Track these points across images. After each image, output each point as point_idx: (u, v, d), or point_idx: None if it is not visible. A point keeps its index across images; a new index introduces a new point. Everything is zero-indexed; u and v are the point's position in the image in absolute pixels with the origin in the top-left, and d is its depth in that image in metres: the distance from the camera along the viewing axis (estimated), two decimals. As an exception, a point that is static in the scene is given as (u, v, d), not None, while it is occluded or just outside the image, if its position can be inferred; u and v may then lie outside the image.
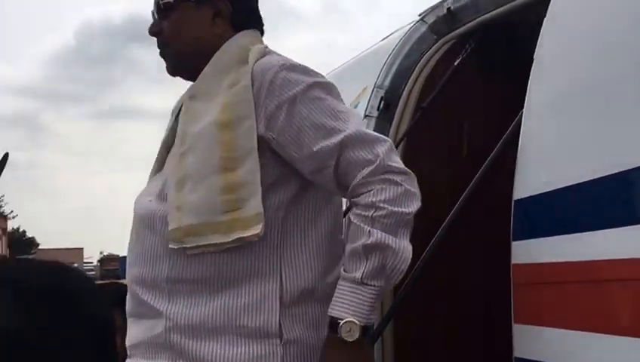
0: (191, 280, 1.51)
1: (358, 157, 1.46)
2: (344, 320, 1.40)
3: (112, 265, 73.34)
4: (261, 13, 1.74)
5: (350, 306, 1.41)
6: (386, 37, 3.17)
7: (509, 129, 1.86)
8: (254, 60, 1.58)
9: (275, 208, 1.52)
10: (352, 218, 1.46)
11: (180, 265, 1.52)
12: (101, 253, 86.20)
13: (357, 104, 2.83)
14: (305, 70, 1.56)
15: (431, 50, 2.76)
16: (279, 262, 1.52)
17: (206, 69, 1.63)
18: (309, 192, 1.57)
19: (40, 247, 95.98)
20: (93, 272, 72.96)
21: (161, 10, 1.67)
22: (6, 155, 8.69)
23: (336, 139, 1.47)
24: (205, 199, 1.49)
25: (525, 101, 1.81)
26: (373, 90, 2.75)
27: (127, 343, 1.61)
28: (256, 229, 1.47)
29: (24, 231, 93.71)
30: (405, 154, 2.54)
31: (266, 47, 1.66)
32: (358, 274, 1.41)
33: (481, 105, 2.72)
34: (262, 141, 1.51)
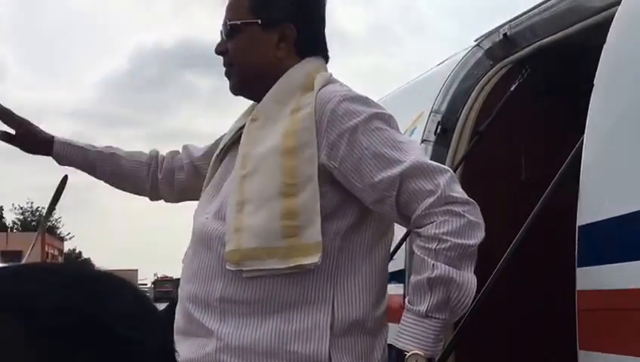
0: (244, 301, 1.52)
1: (420, 187, 1.46)
2: (410, 353, 1.41)
3: (166, 287, 74.03)
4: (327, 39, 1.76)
5: (416, 338, 1.42)
6: (441, 62, 3.18)
7: (571, 154, 1.85)
8: (318, 88, 1.60)
9: (332, 237, 1.53)
10: (415, 250, 1.47)
11: (234, 286, 1.53)
12: (155, 274, 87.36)
13: (414, 129, 2.84)
14: (366, 101, 1.59)
15: (487, 75, 2.77)
16: (332, 291, 1.53)
17: (269, 93, 1.66)
18: (365, 224, 1.58)
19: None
20: (147, 294, 73.96)
21: (228, 30, 1.70)
22: (65, 178, 8.91)
23: (397, 169, 1.48)
24: (265, 223, 1.51)
25: (586, 126, 1.80)
26: (429, 115, 2.76)
27: (179, 360, 1.64)
28: (315, 258, 1.49)
29: (80, 253, 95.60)
30: (463, 178, 2.54)
31: (331, 75, 1.69)
32: (422, 308, 1.42)
33: (539, 129, 2.71)
34: (323, 169, 1.53)
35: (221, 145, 1.80)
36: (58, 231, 77.58)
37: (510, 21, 2.65)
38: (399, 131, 1.59)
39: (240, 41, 1.69)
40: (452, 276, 1.40)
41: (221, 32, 1.74)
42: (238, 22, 1.69)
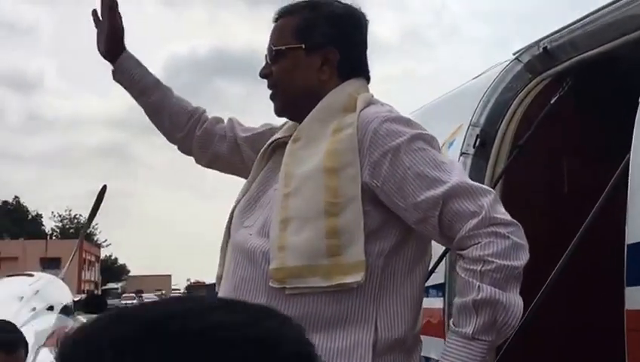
0: None
1: (463, 208, 1.46)
2: None
3: (199, 292, 74.94)
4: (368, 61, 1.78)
5: (461, 361, 1.42)
6: (479, 75, 3.16)
7: (617, 172, 1.82)
8: (360, 108, 1.62)
9: (376, 256, 1.54)
10: (459, 271, 1.46)
11: (277, 303, 1.54)
12: (188, 280, 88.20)
13: (452, 141, 2.83)
14: (408, 122, 1.60)
15: (526, 89, 2.75)
16: (375, 311, 1.53)
17: (311, 113, 1.68)
18: (408, 243, 1.58)
19: (130, 274, 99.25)
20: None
21: (272, 55, 1.73)
22: (104, 188, 8.98)
23: (439, 189, 1.48)
24: (309, 242, 1.52)
25: (632, 144, 1.78)
26: (468, 128, 2.75)
27: None
28: (358, 277, 1.50)
29: (116, 259, 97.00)
30: (503, 192, 2.52)
31: (372, 95, 1.70)
32: (468, 330, 1.41)
33: (581, 143, 2.68)
34: (365, 188, 1.54)
35: (262, 151, 1.83)
36: (95, 238, 78.80)
37: (550, 35, 2.63)
38: (441, 152, 1.60)
39: (284, 65, 1.72)
40: (498, 298, 1.39)
41: (265, 56, 1.77)
42: (283, 47, 1.72)
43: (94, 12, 2.02)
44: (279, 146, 1.80)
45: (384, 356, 1.52)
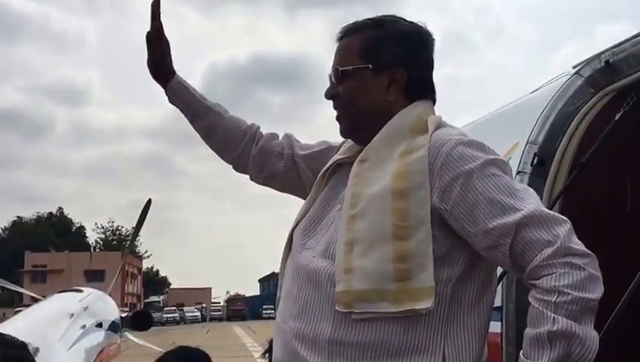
0: (353, 344, 1.50)
1: (537, 238, 1.41)
2: None
3: (239, 305, 75.13)
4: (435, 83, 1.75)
5: None
6: (535, 90, 3.09)
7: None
8: (432, 131, 1.59)
9: (444, 283, 1.50)
10: (532, 301, 1.41)
11: (344, 328, 1.51)
12: (227, 292, 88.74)
13: (508, 159, 2.75)
14: (481, 146, 1.56)
15: (588, 104, 2.66)
16: (443, 339, 1.50)
17: (379, 135, 1.65)
18: (475, 270, 1.55)
19: (171, 287, 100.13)
20: (220, 312, 75.24)
21: (338, 75, 1.71)
22: (149, 202, 9.05)
23: (513, 217, 1.44)
24: (376, 266, 1.49)
25: None
26: (525, 146, 2.67)
27: None
28: (428, 303, 1.46)
29: (157, 271, 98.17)
30: (563, 211, 2.43)
31: (441, 118, 1.67)
32: None
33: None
34: (435, 212, 1.51)
35: (321, 172, 1.81)
36: (137, 250, 79.82)
37: (612, 48, 2.55)
38: (513, 178, 1.55)
39: (350, 85, 1.69)
40: (574, 330, 1.34)
41: (330, 77, 1.74)
42: (349, 67, 1.69)
43: (148, 35, 2.02)
44: (340, 166, 1.78)
45: None
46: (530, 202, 1.47)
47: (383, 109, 1.67)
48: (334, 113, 1.75)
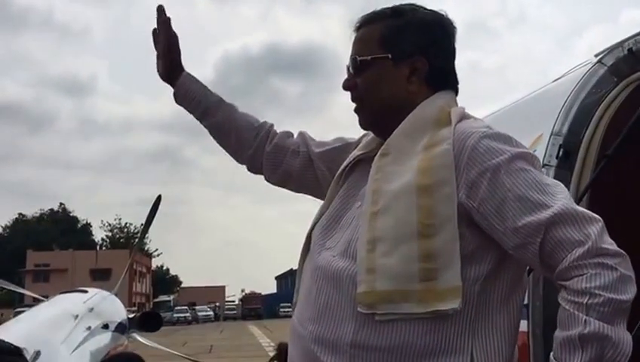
0: (377, 347, 1.51)
1: (568, 237, 1.43)
2: None
3: (254, 303, 75.25)
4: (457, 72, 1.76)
5: None
6: (557, 79, 3.10)
7: None
8: (455, 123, 1.60)
9: (472, 282, 1.51)
10: (562, 303, 1.42)
11: (367, 331, 1.52)
12: (242, 290, 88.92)
13: (533, 151, 2.77)
14: (508, 139, 1.56)
15: (612, 94, 2.66)
16: (471, 341, 1.51)
17: (400, 127, 1.66)
18: (504, 269, 1.56)
19: (183, 285, 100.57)
20: (234, 311, 75.49)
21: (357, 66, 1.72)
22: (159, 198, 9.12)
23: (543, 215, 1.45)
24: (401, 265, 1.50)
25: None
26: (550, 138, 2.69)
27: None
28: (454, 303, 1.48)
29: (167, 269, 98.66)
30: (591, 205, 2.45)
31: (464, 109, 1.68)
32: None
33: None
34: (461, 209, 1.52)
35: (340, 169, 1.83)
36: (146, 248, 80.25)
37: (635, 35, 2.55)
38: (543, 172, 1.56)
39: (370, 76, 1.71)
40: (607, 333, 1.35)
41: (348, 67, 1.76)
42: (368, 57, 1.70)
43: (154, 32, 2.05)
44: (359, 163, 1.79)
45: None
46: (561, 198, 1.47)
47: (404, 100, 1.68)
48: (350, 103, 1.76)
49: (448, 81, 1.74)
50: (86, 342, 5.38)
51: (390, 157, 1.63)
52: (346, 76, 1.77)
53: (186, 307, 68.20)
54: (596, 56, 2.77)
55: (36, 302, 7.62)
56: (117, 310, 7.16)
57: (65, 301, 6.32)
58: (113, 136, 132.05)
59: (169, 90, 2.10)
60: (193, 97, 2.06)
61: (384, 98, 1.69)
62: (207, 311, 70.24)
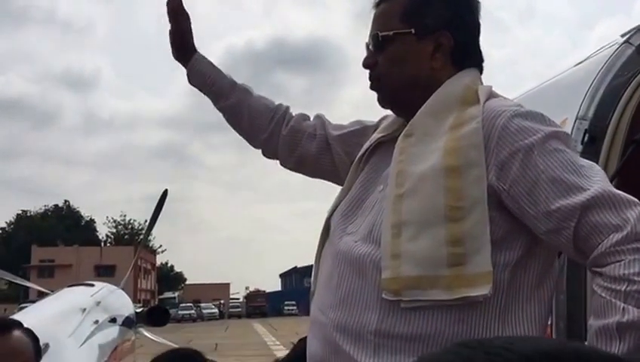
0: (402, 336, 1.46)
1: (605, 221, 1.37)
2: None
3: (259, 301, 75.40)
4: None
5: None
6: (581, 62, 3.03)
7: None
8: (484, 101, 1.54)
9: (502, 268, 1.46)
10: (598, 291, 1.37)
11: (392, 319, 1.47)
12: (246, 288, 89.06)
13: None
14: (541, 118, 1.52)
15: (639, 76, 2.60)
16: (501, 329, 1.46)
17: (424, 107, 1.61)
18: (534, 255, 1.51)
19: (187, 282, 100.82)
20: (239, 309, 75.61)
21: (378, 42, 1.67)
22: (165, 193, 9.11)
23: (578, 198, 1.40)
24: (428, 250, 1.45)
25: None
26: (575, 122, 2.62)
27: None
28: (485, 289, 1.43)
29: (172, 266, 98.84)
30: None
31: (491, 87, 1.63)
32: None
33: None
34: (491, 192, 1.47)
35: (360, 153, 1.78)
36: (151, 245, 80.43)
37: (667, 13, 2.48)
38: (577, 153, 1.51)
39: (392, 52, 1.66)
40: None
41: (367, 44, 1.71)
42: (390, 32, 1.65)
43: (168, 11, 2.02)
44: (380, 145, 1.74)
45: None
46: (597, 181, 1.42)
47: (428, 77, 1.63)
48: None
49: (473, 58, 1.69)
50: (94, 336, 5.37)
51: (414, 138, 1.59)
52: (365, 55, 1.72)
53: (190, 304, 68.33)
54: (622, 36, 2.69)
55: (41, 296, 7.61)
56: (124, 304, 7.16)
57: (72, 294, 6.31)
58: (117, 132, 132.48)
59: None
60: (207, 78, 2.03)
61: (407, 75, 1.65)
62: (211, 308, 70.35)
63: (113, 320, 6.17)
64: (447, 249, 1.44)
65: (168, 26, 2.02)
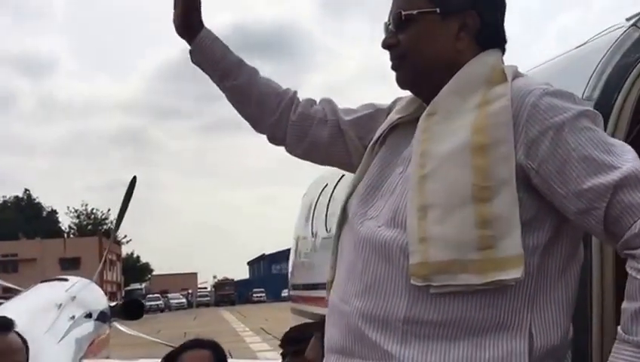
0: (431, 322, 1.43)
1: (637, 200, 1.35)
2: None
3: (227, 289, 75.49)
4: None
5: None
6: (583, 43, 2.99)
7: None
8: (511, 79, 1.51)
9: (531, 252, 1.43)
10: (632, 272, 1.35)
11: (422, 305, 1.44)
12: (214, 277, 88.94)
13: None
14: (571, 96, 1.49)
15: (646, 57, 2.56)
16: (530, 314, 1.44)
17: (448, 85, 1.57)
18: (562, 238, 1.48)
19: (154, 273, 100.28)
20: (207, 298, 75.52)
21: (400, 21, 1.62)
22: (134, 179, 9.00)
23: (610, 177, 1.37)
24: (456, 233, 1.41)
25: None
26: (581, 104, 2.59)
27: None
28: (517, 273, 1.39)
29: (138, 257, 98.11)
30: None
31: (517, 67, 1.59)
32: None
33: None
34: (519, 170, 1.43)
35: (376, 136, 1.74)
36: (115, 235, 79.55)
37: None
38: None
39: (416, 32, 1.61)
40: None
41: (387, 24, 1.66)
42: (414, 11, 1.60)
43: None
44: (397, 127, 1.70)
45: None
46: (629, 159, 1.40)
47: (452, 58, 1.59)
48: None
49: (497, 39, 1.65)
50: (71, 332, 5.35)
51: (438, 117, 1.55)
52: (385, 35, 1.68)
53: (158, 295, 68.04)
54: (628, 19, 2.66)
55: (9, 292, 7.51)
56: (98, 298, 7.12)
57: (47, 289, 6.26)
58: (76, 118, 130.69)
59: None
60: (212, 57, 1.93)
61: (430, 56, 1.61)
62: (179, 298, 70.29)
63: (89, 316, 6.13)
64: (476, 231, 1.40)
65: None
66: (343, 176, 6.28)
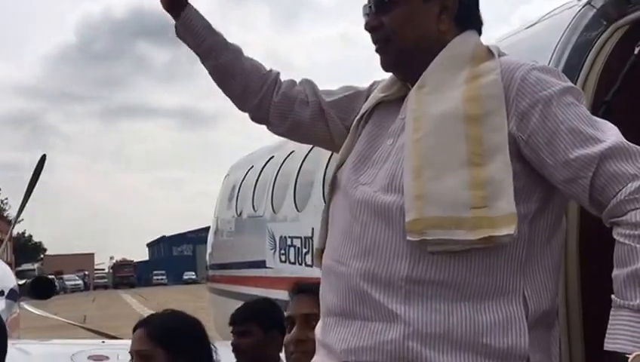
0: (433, 282, 1.48)
1: (622, 171, 1.43)
2: (634, 354, 1.34)
3: (126, 271, 73.91)
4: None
5: (637, 337, 1.35)
6: (534, 23, 3.05)
7: None
8: (498, 56, 1.60)
9: (521, 221, 1.48)
10: (620, 239, 1.42)
11: (423, 265, 1.49)
12: (111, 258, 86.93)
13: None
14: (557, 73, 1.59)
15: (601, 38, 2.64)
16: (522, 281, 1.52)
17: (436, 61, 1.64)
18: (549, 207, 1.56)
19: (47, 253, 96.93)
20: (105, 279, 73.62)
21: (383, 4, 1.68)
22: (43, 158, 8.68)
23: (596, 148, 1.45)
24: (450, 192, 1.47)
25: None
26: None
27: (341, 346, 1.56)
28: (510, 229, 1.44)
29: (30, 236, 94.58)
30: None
31: (498, 47, 1.68)
32: None
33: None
34: (510, 141, 1.50)
35: (361, 113, 1.81)
36: (5, 214, 76.39)
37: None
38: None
39: (399, 14, 1.67)
40: None
41: (369, 7, 1.71)
42: None
43: None
44: (380, 106, 1.78)
45: (533, 331, 1.50)
46: (612, 134, 1.49)
47: (435, 39, 1.66)
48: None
49: (475, 21, 1.73)
50: None
51: (429, 88, 1.61)
52: None
53: (52, 276, 65.81)
54: (581, -2, 2.72)
55: None
56: (6, 275, 6.78)
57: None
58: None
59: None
60: (197, 33, 1.94)
61: (414, 38, 1.67)
62: (76, 279, 68.16)
63: (1, 293, 5.83)
64: (469, 192, 1.47)
65: None
66: (292, 152, 6.25)
